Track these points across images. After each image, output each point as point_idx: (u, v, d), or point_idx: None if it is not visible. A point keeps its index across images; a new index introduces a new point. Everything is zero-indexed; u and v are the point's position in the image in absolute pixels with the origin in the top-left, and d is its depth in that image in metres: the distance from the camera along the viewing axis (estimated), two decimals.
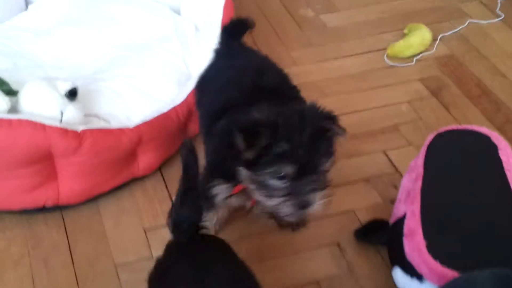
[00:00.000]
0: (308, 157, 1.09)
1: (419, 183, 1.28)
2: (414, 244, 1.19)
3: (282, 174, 1.09)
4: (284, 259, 1.39)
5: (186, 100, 1.55)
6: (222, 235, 1.41)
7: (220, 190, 1.25)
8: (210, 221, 1.35)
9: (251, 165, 1.11)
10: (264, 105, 1.14)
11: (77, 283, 1.32)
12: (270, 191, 1.12)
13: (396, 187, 1.51)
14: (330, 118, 1.16)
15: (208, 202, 1.28)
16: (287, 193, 1.11)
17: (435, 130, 1.40)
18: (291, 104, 1.18)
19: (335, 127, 1.14)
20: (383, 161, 1.62)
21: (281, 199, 1.11)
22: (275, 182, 1.11)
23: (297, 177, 1.10)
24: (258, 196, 1.15)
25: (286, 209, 1.13)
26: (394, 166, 1.60)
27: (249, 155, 1.08)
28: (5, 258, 1.35)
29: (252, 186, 1.15)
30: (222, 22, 1.64)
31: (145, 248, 1.39)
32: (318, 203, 1.14)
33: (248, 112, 1.13)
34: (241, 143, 1.07)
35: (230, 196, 1.26)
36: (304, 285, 1.34)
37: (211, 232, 1.38)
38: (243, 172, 1.13)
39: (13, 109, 1.35)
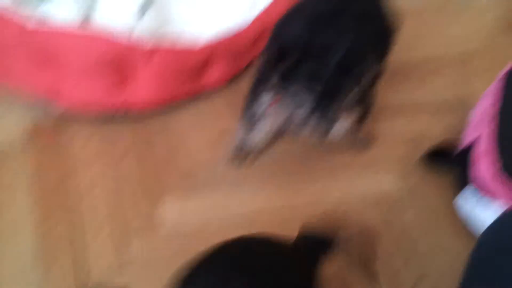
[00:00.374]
0: (334, 81, 1.09)
1: (496, 107, 1.27)
2: (487, 166, 1.19)
3: (308, 90, 1.10)
4: (348, 174, 1.41)
5: (258, 18, 1.53)
6: (289, 155, 1.46)
7: (265, 100, 1.25)
8: (258, 134, 1.37)
9: (284, 76, 1.12)
10: (314, 23, 1.13)
11: (154, 180, 1.38)
12: (296, 105, 1.14)
13: (470, 112, 1.50)
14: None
15: (254, 116, 1.30)
16: (311, 109, 1.12)
17: None
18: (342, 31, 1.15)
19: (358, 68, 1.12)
20: (460, 86, 1.60)
21: (306, 114, 1.13)
22: (301, 97, 1.12)
23: (323, 97, 1.11)
24: (287, 108, 1.18)
25: (309, 126, 1.15)
26: (471, 91, 1.58)
27: (280, 67, 1.10)
28: (82, 156, 1.41)
29: (283, 98, 1.17)
30: None
31: (218, 151, 1.44)
32: (340, 125, 1.16)
33: (295, 26, 1.14)
34: (275, 55, 1.09)
35: (272, 105, 1.27)
36: (368, 201, 1.37)
37: (257, 148, 1.42)
38: (276, 83, 1.15)
39: (86, 19, 1.38)
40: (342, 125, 1.16)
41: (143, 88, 1.45)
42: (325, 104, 1.12)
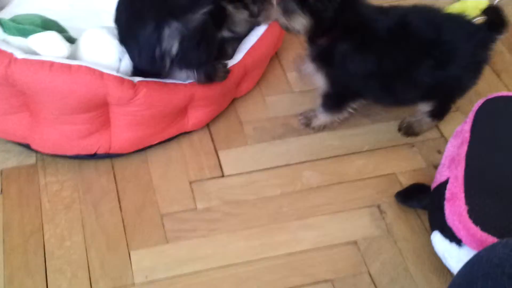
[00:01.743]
0: None
1: (464, 148, 1.27)
2: (455, 209, 1.19)
3: None
4: (323, 218, 1.41)
5: (241, 61, 1.54)
6: (256, 188, 1.46)
7: None
8: None
9: None
10: None
11: (124, 229, 1.37)
12: None
13: (440, 152, 1.51)
14: None
15: None
16: None
17: (484, 96, 1.38)
18: None
19: None
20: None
21: None
22: None
23: None
24: None
25: None
26: (440, 131, 1.60)
27: None
28: (57, 201, 1.41)
29: None
30: None
31: (189, 199, 1.43)
32: None
33: None
34: None
35: None
36: (342, 245, 1.36)
37: None
38: None
39: (72, 56, 1.38)
40: None
41: (122, 132, 1.45)
42: None
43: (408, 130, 1.57)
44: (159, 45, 1.32)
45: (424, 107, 1.52)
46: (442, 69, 1.38)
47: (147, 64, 1.37)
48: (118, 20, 1.40)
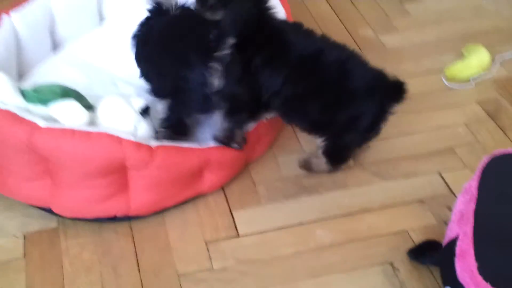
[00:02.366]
0: None
1: (472, 205, 1.30)
2: (466, 265, 1.21)
3: None
4: (337, 276, 1.43)
5: (255, 128, 1.61)
6: (270, 247, 1.49)
7: None
8: None
9: None
10: None
11: None
12: None
13: (450, 209, 1.53)
14: None
15: None
16: None
17: (491, 153, 1.41)
18: None
19: None
20: (438, 183, 1.64)
21: None
22: None
23: None
24: None
25: None
26: (449, 187, 1.63)
27: None
28: (78, 264, 1.44)
29: None
30: None
31: (206, 259, 1.46)
32: None
33: None
34: None
35: None
36: None
37: None
38: None
39: (91, 123, 1.44)
40: None
41: (140, 195, 1.49)
42: None
43: (305, 165, 1.66)
44: (205, 83, 1.39)
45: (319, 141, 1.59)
46: (333, 110, 1.50)
47: (198, 104, 1.44)
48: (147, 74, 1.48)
